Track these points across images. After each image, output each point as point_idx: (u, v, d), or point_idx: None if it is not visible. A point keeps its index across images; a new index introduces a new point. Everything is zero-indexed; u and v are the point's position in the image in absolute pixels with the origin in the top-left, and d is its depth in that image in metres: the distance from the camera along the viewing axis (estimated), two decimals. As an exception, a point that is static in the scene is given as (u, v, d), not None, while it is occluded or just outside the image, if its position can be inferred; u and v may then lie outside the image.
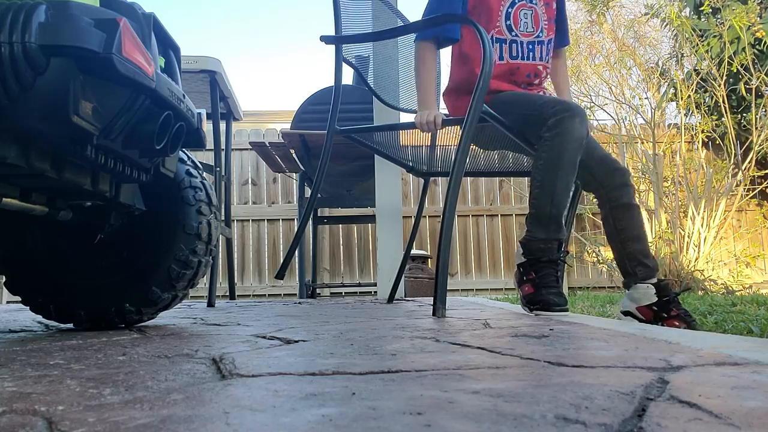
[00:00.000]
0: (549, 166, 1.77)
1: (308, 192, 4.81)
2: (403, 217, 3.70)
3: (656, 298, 1.83)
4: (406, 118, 2.63)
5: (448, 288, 1.76)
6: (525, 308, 1.83)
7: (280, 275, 2.21)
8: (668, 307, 1.83)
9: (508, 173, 2.41)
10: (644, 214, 4.75)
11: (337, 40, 2.23)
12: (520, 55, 2.07)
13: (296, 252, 5.26)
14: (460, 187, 1.82)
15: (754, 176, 5.16)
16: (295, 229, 5.75)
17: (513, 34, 2.07)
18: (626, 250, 1.92)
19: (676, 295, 1.87)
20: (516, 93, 2.03)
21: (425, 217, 5.82)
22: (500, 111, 1.93)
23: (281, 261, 5.80)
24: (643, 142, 5.14)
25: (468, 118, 1.78)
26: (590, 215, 5.40)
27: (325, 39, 2.23)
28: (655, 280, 1.88)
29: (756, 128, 4.81)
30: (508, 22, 2.05)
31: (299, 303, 3.14)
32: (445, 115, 2.73)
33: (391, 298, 2.90)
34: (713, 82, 4.90)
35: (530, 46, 2.08)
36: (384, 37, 2.33)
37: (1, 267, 1.70)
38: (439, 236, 1.76)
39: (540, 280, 1.78)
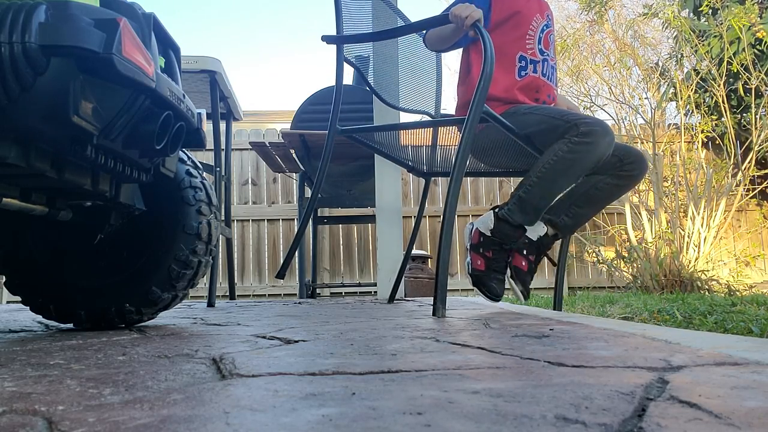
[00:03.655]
0: (560, 165, 1.76)
1: (308, 192, 4.81)
2: (403, 217, 3.69)
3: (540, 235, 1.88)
4: (406, 117, 2.63)
5: (448, 288, 1.76)
6: (468, 277, 1.90)
7: (280, 275, 2.22)
8: (541, 251, 1.89)
9: (509, 173, 2.40)
10: (644, 214, 4.74)
11: (339, 39, 2.22)
12: (547, 75, 2.10)
13: (296, 252, 5.26)
14: (460, 187, 1.82)
15: (753, 176, 5.16)
16: (295, 230, 5.75)
17: (545, 54, 2.09)
18: (577, 206, 1.93)
19: (547, 248, 1.93)
20: (538, 105, 2.04)
21: (425, 217, 5.82)
22: (519, 118, 1.93)
23: (281, 261, 5.80)
24: (643, 142, 5.14)
25: (469, 118, 1.77)
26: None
27: (327, 39, 2.22)
28: (554, 231, 1.92)
29: (756, 128, 4.81)
30: (540, 46, 2.08)
31: (299, 303, 3.14)
32: (444, 115, 2.72)
33: (391, 298, 2.90)
34: (713, 82, 4.90)
35: (552, 70, 2.12)
36: (385, 37, 2.33)
37: (1, 267, 1.70)
38: (439, 236, 1.76)
39: (492, 264, 1.85)
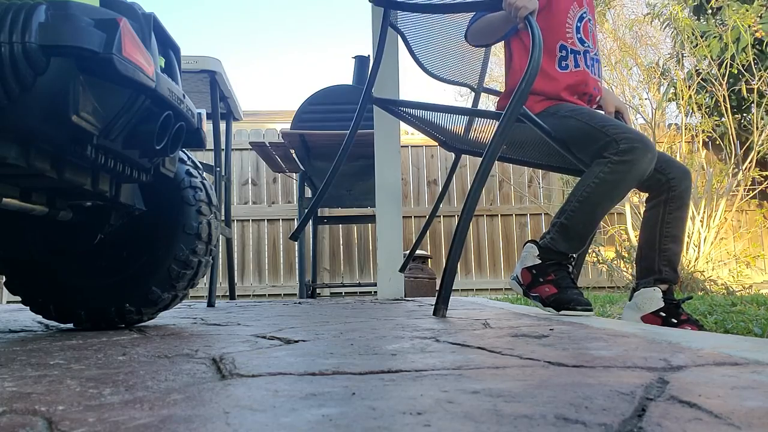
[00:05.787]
0: (602, 188, 1.68)
1: (308, 192, 4.81)
2: (403, 217, 3.69)
3: (663, 303, 1.75)
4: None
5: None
6: (546, 309, 1.75)
7: (294, 237, 2.33)
8: (677, 311, 1.75)
9: (538, 166, 2.33)
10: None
11: (387, 4, 2.16)
12: (591, 68, 1.99)
13: (296, 252, 5.25)
14: (485, 182, 1.75)
15: (754, 177, 5.16)
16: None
17: (585, 45, 1.98)
18: (661, 246, 1.81)
19: (682, 301, 1.80)
20: (582, 106, 1.92)
21: (422, 217, 5.81)
22: (559, 120, 1.84)
23: (281, 261, 5.81)
24: (643, 142, 5.13)
25: (505, 116, 1.70)
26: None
27: (375, 1, 2.15)
28: (666, 286, 1.79)
29: (756, 128, 4.81)
30: (579, 35, 1.97)
31: (299, 303, 3.14)
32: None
33: (403, 268, 2.90)
34: (714, 82, 4.90)
35: (594, 62, 2.01)
36: (432, 11, 2.25)
37: (1, 267, 1.70)
38: (453, 233, 1.71)
39: (561, 282, 1.72)
